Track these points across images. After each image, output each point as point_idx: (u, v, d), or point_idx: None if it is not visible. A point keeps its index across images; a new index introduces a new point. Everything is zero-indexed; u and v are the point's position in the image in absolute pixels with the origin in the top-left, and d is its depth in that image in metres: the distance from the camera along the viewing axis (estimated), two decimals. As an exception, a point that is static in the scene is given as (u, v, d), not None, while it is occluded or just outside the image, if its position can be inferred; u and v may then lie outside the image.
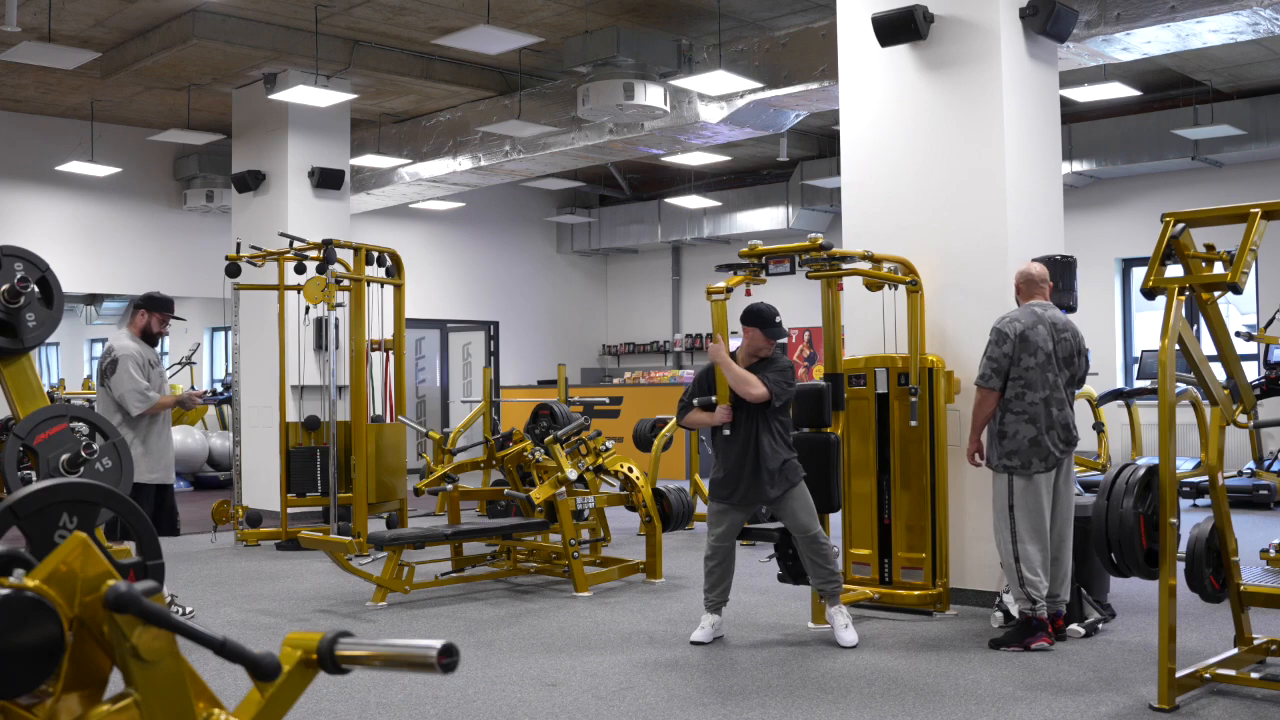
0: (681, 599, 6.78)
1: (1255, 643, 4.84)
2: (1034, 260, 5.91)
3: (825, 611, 5.70)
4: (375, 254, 8.22)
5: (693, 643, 5.58)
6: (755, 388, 5.47)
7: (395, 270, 8.40)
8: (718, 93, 10.28)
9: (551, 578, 7.52)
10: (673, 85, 10.22)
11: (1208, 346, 4.97)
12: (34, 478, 4.26)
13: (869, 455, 6.42)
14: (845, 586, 6.24)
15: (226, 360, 15.74)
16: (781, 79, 9.88)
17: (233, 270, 9.08)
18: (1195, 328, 5.28)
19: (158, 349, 6.90)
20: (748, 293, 5.98)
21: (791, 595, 6.58)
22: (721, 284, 5.84)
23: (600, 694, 4.72)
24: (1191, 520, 5.18)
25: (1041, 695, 4.62)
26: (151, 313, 6.73)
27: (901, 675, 4.97)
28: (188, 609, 6.31)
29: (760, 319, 5.60)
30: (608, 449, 7.59)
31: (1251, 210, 4.50)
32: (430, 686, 4.77)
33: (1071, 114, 11.51)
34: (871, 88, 6.96)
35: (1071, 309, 6.37)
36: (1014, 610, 5.74)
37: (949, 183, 6.60)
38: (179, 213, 14.46)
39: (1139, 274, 14.00)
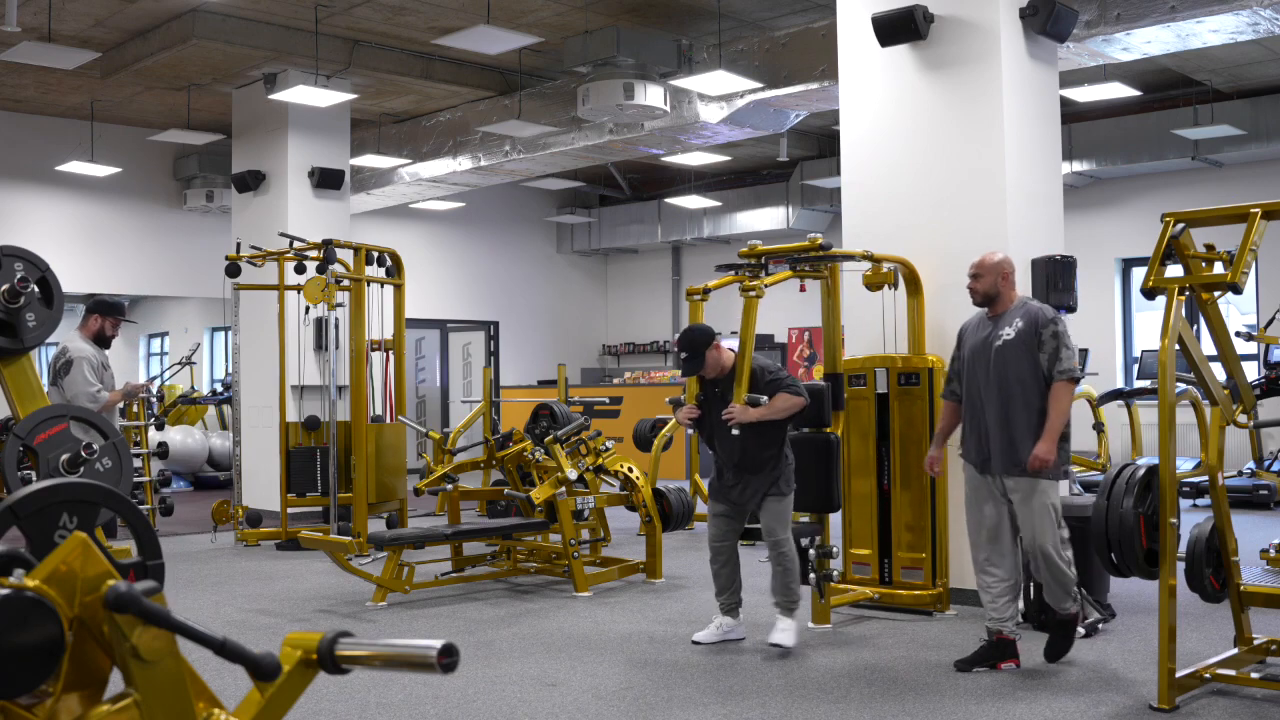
0: (681, 599, 6.78)
1: (1255, 643, 4.84)
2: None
3: (778, 617, 5.47)
4: (375, 254, 8.22)
5: (694, 643, 5.58)
6: (785, 405, 5.41)
7: (395, 270, 8.41)
8: (718, 93, 10.27)
9: (551, 578, 7.52)
10: (673, 85, 10.22)
11: (1208, 346, 4.96)
12: (34, 478, 4.27)
13: (869, 455, 6.42)
14: (845, 586, 6.24)
15: (226, 360, 15.74)
16: (781, 79, 9.88)
17: (233, 270, 9.08)
18: (1195, 328, 5.28)
19: (108, 351, 7.05)
20: (802, 288, 6.08)
21: (791, 595, 6.57)
22: (700, 285, 5.96)
23: (600, 694, 4.72)
24: (1191, 520, 5.18)
25: (1041, 695, 4.62)
26: (105, 317, 6.94)
27: (901, 675, 4.97)
28: None
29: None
30: (608, 449, 7.59)
31: (1251, 210, 4.50)
32: (430, 686, 4.77)
33: (1071, 114, 11.51)
34: (871, 88, 6.96)
35: (1072, 309, 6.39)
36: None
37: (949, 183, 6.59)
38: (179, 213, 14.46)
39: (1139, 274, 14.00)
